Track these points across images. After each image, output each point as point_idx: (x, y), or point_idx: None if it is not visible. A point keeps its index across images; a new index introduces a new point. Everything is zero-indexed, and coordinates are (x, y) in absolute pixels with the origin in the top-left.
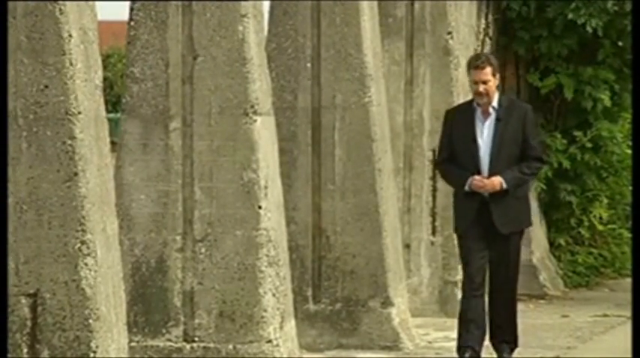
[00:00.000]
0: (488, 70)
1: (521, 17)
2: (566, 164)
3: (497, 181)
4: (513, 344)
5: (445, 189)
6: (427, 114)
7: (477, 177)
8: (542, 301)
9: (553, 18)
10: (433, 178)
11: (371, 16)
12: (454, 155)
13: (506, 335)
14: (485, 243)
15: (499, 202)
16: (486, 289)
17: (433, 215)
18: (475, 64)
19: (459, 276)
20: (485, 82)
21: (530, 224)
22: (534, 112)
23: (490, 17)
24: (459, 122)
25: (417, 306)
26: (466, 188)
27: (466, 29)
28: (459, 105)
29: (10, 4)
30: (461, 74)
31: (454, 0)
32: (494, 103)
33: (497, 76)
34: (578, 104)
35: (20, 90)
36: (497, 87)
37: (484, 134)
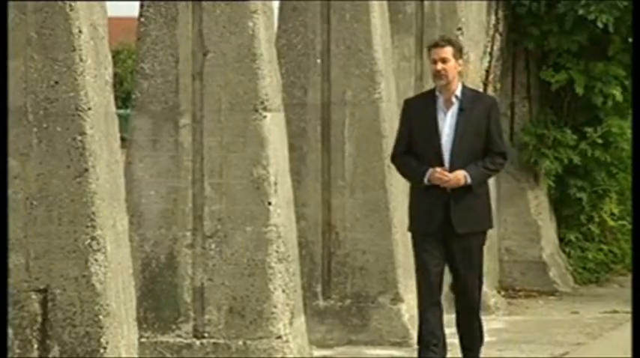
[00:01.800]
0: (449, 49)
1: (531, 13)
2: (576, 160)
3: (462, 175)
4: (477, 351)
5: None
6: None
7: (438, 169)
8: (551, 297)
9: (563, 14)
10: None
11: (381, 13)
12: (412, 147)
13: (472, 344)
14: (444, 245)
15: (460, 200)
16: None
17: None
18: (435, 42)
19: None
20: (444, 61)
21: (491, 226)
22: (545, 108)
23: (500, 13)
24: (419, 111)
25: None
26: (425, 181)
27: (476, 25)
28: (420, 95)
29: (21, 1)
30: (471, 70)
31: None
32: (458, 92)
33: (461, 62)
34: (589, 100)
35: (30, 86)
36: (461, 74)
37: (446, 124)
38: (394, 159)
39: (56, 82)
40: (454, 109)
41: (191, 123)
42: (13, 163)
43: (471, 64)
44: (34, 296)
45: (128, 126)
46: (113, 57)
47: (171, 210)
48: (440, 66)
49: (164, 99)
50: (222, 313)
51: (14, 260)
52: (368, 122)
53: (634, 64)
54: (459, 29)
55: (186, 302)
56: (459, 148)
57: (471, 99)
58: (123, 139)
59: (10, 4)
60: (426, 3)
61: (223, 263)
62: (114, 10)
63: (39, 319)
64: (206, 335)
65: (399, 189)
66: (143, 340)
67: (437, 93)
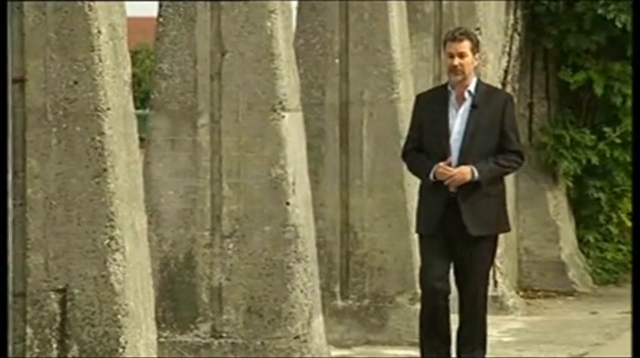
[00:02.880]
0: (467, 43)
1: (549, 12)
2: (594, 160)
3: (467, 170)
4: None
5: None
6: None
7: (442, 164)
8: (570, 298)
9: (582, 13)
10: None
11: (399, 12)
12: (423, 144)
13: (474, 352)
14: (450, 248)
15: (468, 199)
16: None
17: None
18: (452, 35)
19: None
20: (461, 56)
21: (508, 229)
22: (564, 108)
23: (519, 12)
24: (430, 107)
25: None
26: (430, 177)
27: (494, 25)
28: (432, 90)
29: (40, 1)
30: (489, 70)
31: None
32: (471, 87)
33: (477, 56)
34: (608, 100)
35: (50, 86)
36: (476, 70)
37: (457, 121)
38: (404, 156)
39: (75, 82)
40: (466, 106)
41: (209, 123)
42: (32, 163)
43: (490, 63)
44: (53, 296)
45: (146, 126)
46: (131, 57)
47: (189, 209)
48: (457, 61)
49: (182, 99)
50: (240, 313)
51: (33, 260)
52: (386, 122)
53: (634, 64)
54: (478, 29)
55: (205, 302)
56: (469, 147)
57: (484, 95)
58: (141, 139)
59: (29, 4)
60: (444, 2)
61: (241, 263)
62: (132, 10)
63: (58, 318)
64: (224, 335)
65: (417, 189)
66: (162, 340)
67: (449, 88)
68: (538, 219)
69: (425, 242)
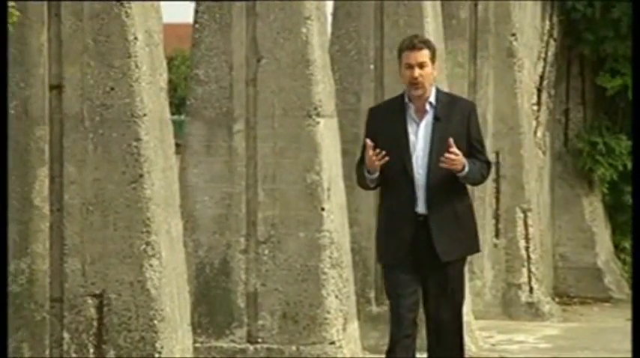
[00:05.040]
0: (426, 52)
1: (586, 18)
2: (630, 166)
3: (464, 162)
4: None
5: (509, 191)
6: (490, 116)
7: (369, 142)
8: (606, 304)
9: (618, 19)
10: (496, 180)
11: (434, 18)
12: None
13: None
14: (419, 272)
15: (439, 222)
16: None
17: (497, 217)
18: (411, 44)
19: (523, 279)
20: (421, 66)
21: (477, 250)
22: (600, 114)
23: (555, 18)
24: (385, 123)
25: (480, 308)
26: (366, 173)
27: (530, 30)
28: (387, 102)
29: (77, 7)
30: (525, 76)
31: (518, 0)
32: (432, 99)
33: (436, 65)
34: None
35: (87, 92)
36: (434, 80)
37: (419, 137)
38: (358, 180)
39: (112, 89)
40: (428, 119)
41: (245, 129)
42: (69, 169)
43: (525, 69)
44: (90, 301)
45: (182, 132)
46: (167, 63)
47: (224, 215)
48: (417, 72)
49: (218, 105)
50: (275, 318)
51: (71, 265)
52: None
53: (634, 65)
54: (513, 35)
55: (240, 308)
56: (436, 164)
57: (447, 106)
58: (177, 145)
59: (67, 11)
60: (479, 8)
61: (276, 268)
62: (168, 16)
63: (95, 323)
64: (259, 340)
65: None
66: (197, 345)
67: (406, 100)
68: (574, 225)
69: (393, 272)
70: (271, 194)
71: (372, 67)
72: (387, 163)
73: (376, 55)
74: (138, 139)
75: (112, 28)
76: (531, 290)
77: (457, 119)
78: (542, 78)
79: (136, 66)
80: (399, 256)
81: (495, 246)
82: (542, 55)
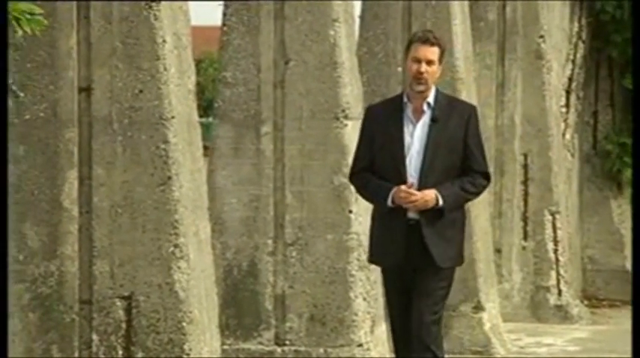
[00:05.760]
0: (436, 50)
1: (614, 20)
2: None
3: (431, 195)
4: None
5: (537, 194)
6: (518, 119)
7: (403, 187)
8: None
9: None
10: (525, 183)
11: (462, 20)
12: (375, 164)
13: None
14: (411, 279)
15: (433, 227)
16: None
17: (525, 219)
18: (422, 37)
19: (552, 281)
20: (429, 63)
21: (462, 262)
22: (628, 116)
23: (583, 20)
24: (382, 122)
25: (509, 311)
26: (389, 203)
27: (559, 33)
28: (384, 101)
29: (106, 9)
30: (553, 78)
31: (547, 0)
32: (430, 99)
33: (441, 66)
34: None
35: (115, 95)
36: (438, 81)
37: (414, 138)
38: (352, 177)
39: (140, 91)
40: (425, 120)
41: (272, 132)
42: (98, 171)
43: (554, 71)
44: (118, 303)
45: (210, 134)
46: (195, 66)
47: (252, 217)
48: (424, 67)
49: (246, 108)
50: (303, 321)
51: (99, 267)
52: None
53: (634, 65)
54: (541, 37)
55: (268, 310)
56: (430, 167)
57: (445, 107)
58: (205, 147)
59: (96, 14)
60: (508, 10)
61: (304, 271)
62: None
63: (123, 326)
64: (287, 342)
65: (480, 197)
66: (225, 347)
67: (405, 99)
68: (602, 227)
69: (388, 276)
70: (299, 196)
71: (399, 69)
72: (381, 163)
73: (404, 57)
74: (166, 142)
75: (141, 30)
76: (560, 292)
77: (455, 122)
78: (570, 80)
79: (165, 68)
80: (390, 261)
81: (524, 248)
82: (571, 57)
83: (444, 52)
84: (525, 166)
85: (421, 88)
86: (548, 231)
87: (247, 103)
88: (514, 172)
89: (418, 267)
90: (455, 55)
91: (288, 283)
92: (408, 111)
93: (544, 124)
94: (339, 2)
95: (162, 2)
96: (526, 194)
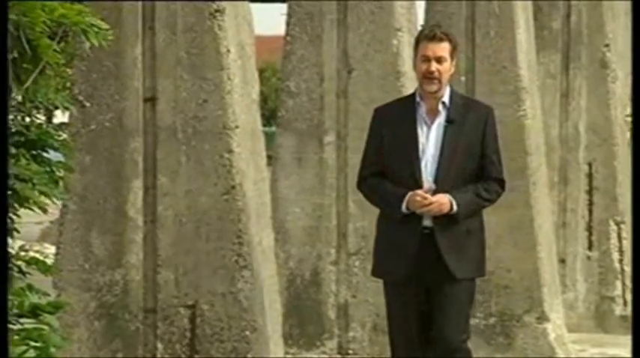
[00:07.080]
0: (446, 45)
1: None
2: None
3: (446, 201)
4: None
5: (602, 203)
6: (583, 128)
7: (419, 191)
8: None
9: None
10: (589, 192)
11: (526, 29)
12: (386, 168)
13: None
14: (423, 292)
15: (447, 235)
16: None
17: (589, 229)
18: (431, 33)
19: (617, 291)
20: (439, 61)
21: (484, 273)
22: None
23: None
24: (394, 123)
25: (574, 322)
26: (403, 209)
27: (624, 41)
28: (395, 101)
29: (171, 20)
30: (618, 87)
31: (612, 10)
32: (445, 99)
33: (454, 62)
34: None
35: (180, 105)
36: (451, 78)
37: (429, 140)
38: (360, 184)
39: (205, 101)
40: (440, 121)
41: (335, 141)
42: (162, 180)
43: (619, 80)
44: (182, 312)
45: (273, 143)
46: (258, 75)
47: (315, 227)
48: (434, 66)
49: (309, 117)
50: (366, 330)
51: (164, 276)
52: (512, 139)
53: (634, 66)
54: (607, 45)
55: (331, 319)
56: (445, 172)
57: (461, 108)
58: (268, 157)
59: (161, 24)
60: (572, 19)
61: (367, 280)
62: (259, 29)
63: (188, 334)
64: (350, 352)
65: (544, 206)
66: (288, 356)
67: (418, 99)
68: None
69: (395, 291)
70: (361, 205)
71: (462, 78)
72: (395, 167)
73: (467, 66)
74: (230, 151)
75: (205, 41)
76: (625, 303)
77: (472, 124)
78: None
79: (229, 78)
80: (401, 273)
81: (588, 258)
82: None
83: (455, 47)
84: (590, 175)
85: (433, 87)
86: (613, 240)
87: (310, 113)
88: (578, 181)
89: (432, 279)
90: (518, 64)
91: (351, 292)
92: (422, 111)
93: (609, 133)
94: (402, 11)
95: (227, 12)
96: (591, 203)
